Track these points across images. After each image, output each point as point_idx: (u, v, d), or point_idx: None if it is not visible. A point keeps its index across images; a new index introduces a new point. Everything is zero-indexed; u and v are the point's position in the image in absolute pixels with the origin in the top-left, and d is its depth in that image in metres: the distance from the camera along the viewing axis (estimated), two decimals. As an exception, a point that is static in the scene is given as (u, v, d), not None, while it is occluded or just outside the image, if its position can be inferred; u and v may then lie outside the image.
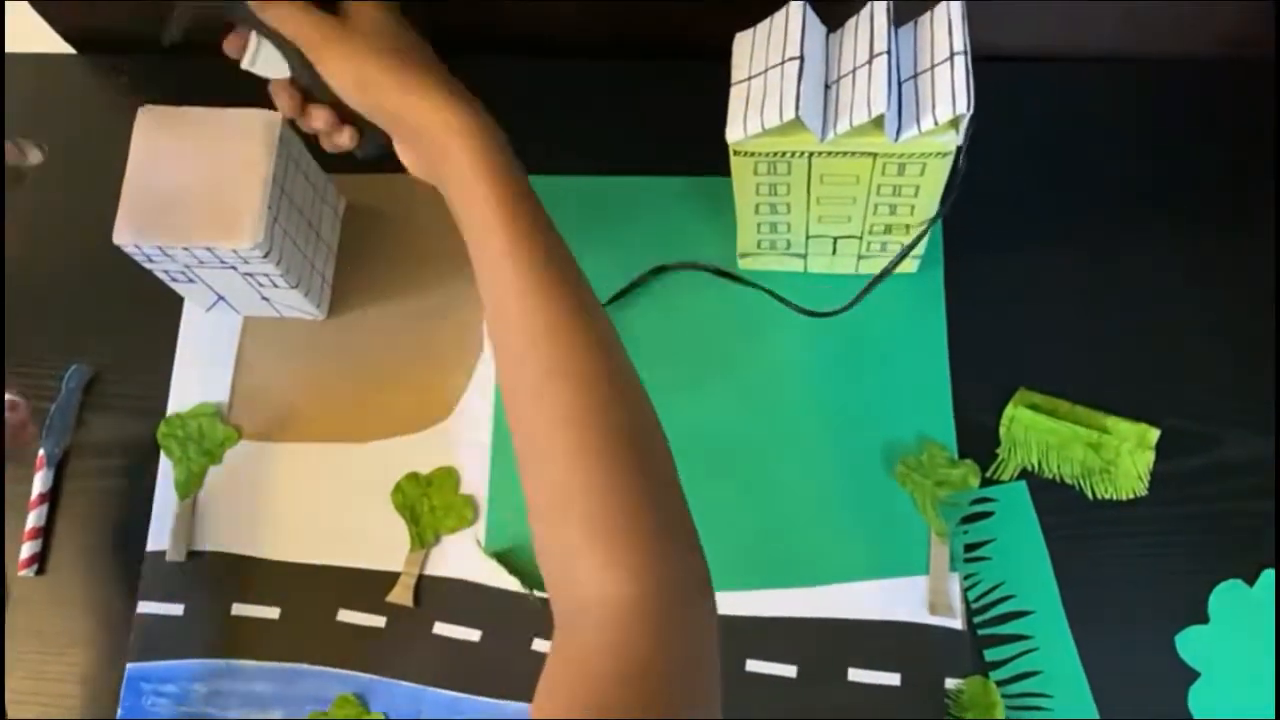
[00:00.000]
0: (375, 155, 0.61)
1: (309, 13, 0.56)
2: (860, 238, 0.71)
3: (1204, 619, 0.67)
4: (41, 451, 0.74)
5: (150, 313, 0.77)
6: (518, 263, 0.52)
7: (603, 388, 0.50)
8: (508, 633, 0.70)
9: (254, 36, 0.57)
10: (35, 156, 0.63)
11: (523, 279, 0.51)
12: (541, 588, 0.70)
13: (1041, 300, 0.75)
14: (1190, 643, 0.67)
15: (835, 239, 0.71)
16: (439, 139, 0.54)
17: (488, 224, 0.53)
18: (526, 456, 0.51)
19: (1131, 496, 0.70)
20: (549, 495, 0.50)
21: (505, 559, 0.71)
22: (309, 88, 0.59)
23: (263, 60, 0.58)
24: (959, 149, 0.60)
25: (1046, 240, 0.76)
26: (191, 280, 0.72)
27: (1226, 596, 0.67)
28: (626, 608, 0.46)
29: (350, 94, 0.56)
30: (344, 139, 0.60)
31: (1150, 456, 0.70)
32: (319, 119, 0.60)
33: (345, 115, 0.59)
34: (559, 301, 0.51)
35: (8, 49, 0.86)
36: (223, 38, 0.58)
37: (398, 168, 0.79)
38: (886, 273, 0.70)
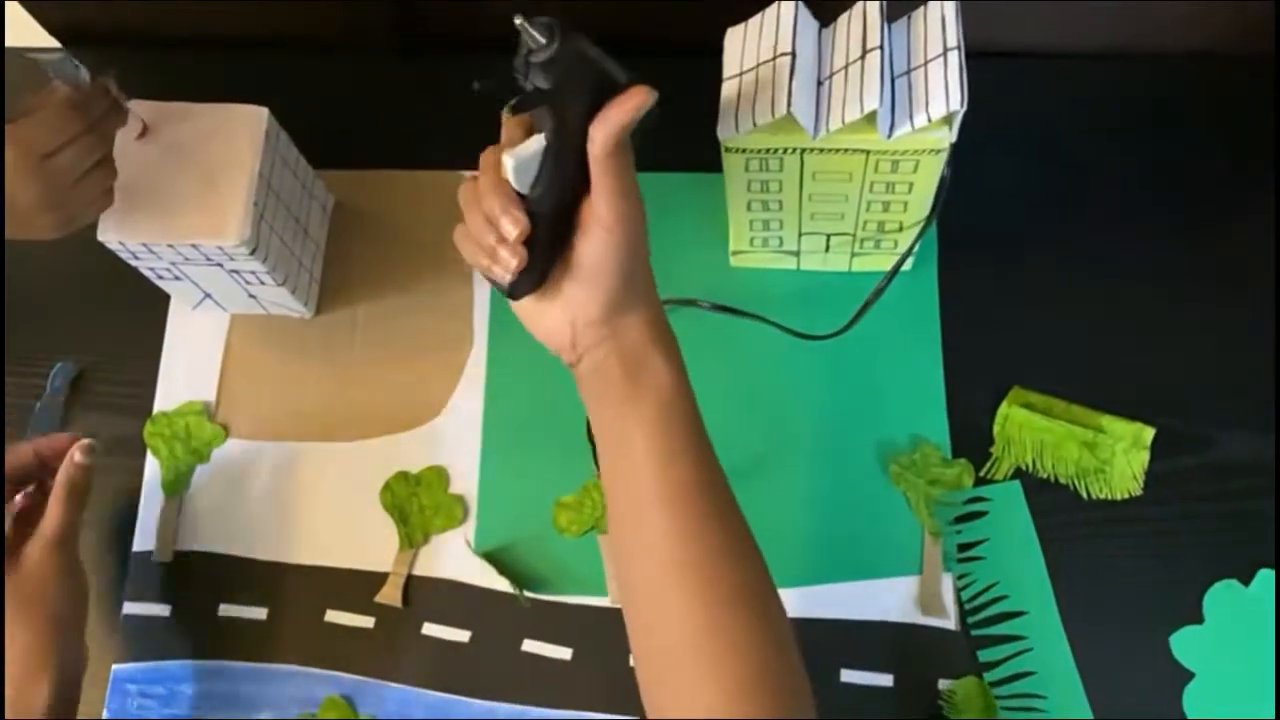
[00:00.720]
0: (513, 293, 0.53)
1: (635, 181, 0.52)
2: (853, 235, 0.70)
3: (1199, 619, 0.67)
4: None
5: (137, 310, 0.76)
6: (674, 504, 0.52)
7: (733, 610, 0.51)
8: (497, 634, 0.69)
9: (542, 140, 0.51)
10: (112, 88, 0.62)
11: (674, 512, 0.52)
12: (531, 589, 0.69)
13: (1036, 298, 0.74)
14: (1185, 643, 0.66)
15: (828, 236, 0.71)
16: (650, 347, 0.53)
17: (665, 449, 0.52)
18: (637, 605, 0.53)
19: (1126, 496, 0.69)
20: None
21: (495, 559, 0.70)
22: (533, 209, 0.51)
23: (526, 167, 0.51)
24: (952, 146, 0.60)
25: (1041, 238, 0.75)
26: (178, 278, 0.71)
27: (1222, 597, 0.67)
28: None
29: (611, 267, 0.52)
30: (505, 268, 0.52)
31: (1145, 456, 0.70)
32: (515, 239, 0.51)
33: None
34: (705, 538, 0.52)
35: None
36: (514, 112, 0.53)
37: (388, 165, 0.80)
38: (880, 291, 0.68)
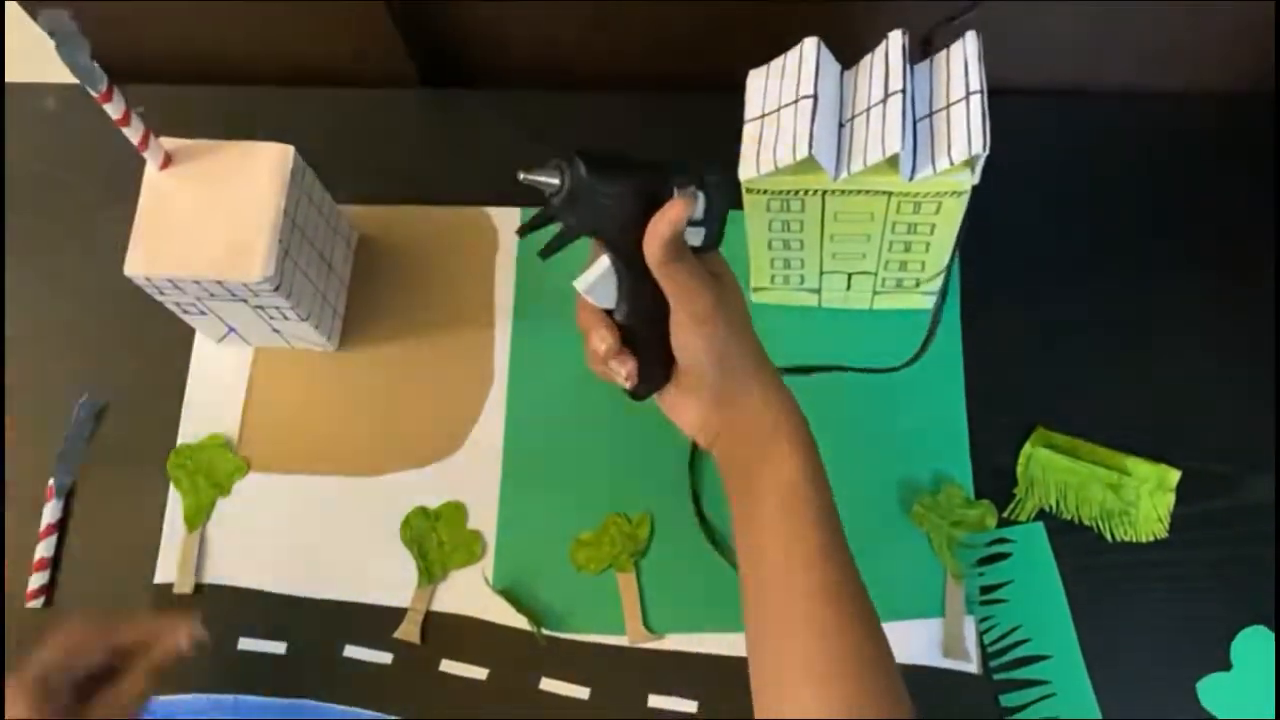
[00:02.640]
0: (635, 395, 0.56)
1: (703, 278, 0.52)
2: (875, 274, 0.70)
3: (1227, 666, 0.66)
4: (51, 481, 0.74)
5: (161, 343, 0.77)
6: (809, 619, 0.52)
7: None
8: (515, 672, 0.69)
9: (606, 260, 0.52)
10: None
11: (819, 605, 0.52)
12: (548, 626, 0.69)
13: (1060, 337, 0.73)
14: (1213, 690, 0.65)
15: (849, 275, 0.71)
16: (768, 434, 0.54)
17: (800, 537, 0.52)
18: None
19: (1151, 539, 0.69)
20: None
21: (513, 596, 0.70)
22: (625, 324, 0.54)
23: (599, 287, 0.52)
24: (974, 188, 0.60)
25: (1065, 276, 0.75)
26: (203, 312, 0.72)
27: (1250, 643, 0.66)
28: None
29: (704, 364, 0.53)
30: (624, 378, 0.54)
31: (1171, 498, 0.69)
32: (623, 363, 0.54)
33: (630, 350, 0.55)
34: (842, 636, 0.51)
35: (26, 79, 0.86)
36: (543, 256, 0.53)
37: (412, 200, 0.80)
38: (936, 321, 0.67)
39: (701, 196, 0.52)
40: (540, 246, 0.52)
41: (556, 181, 0.49)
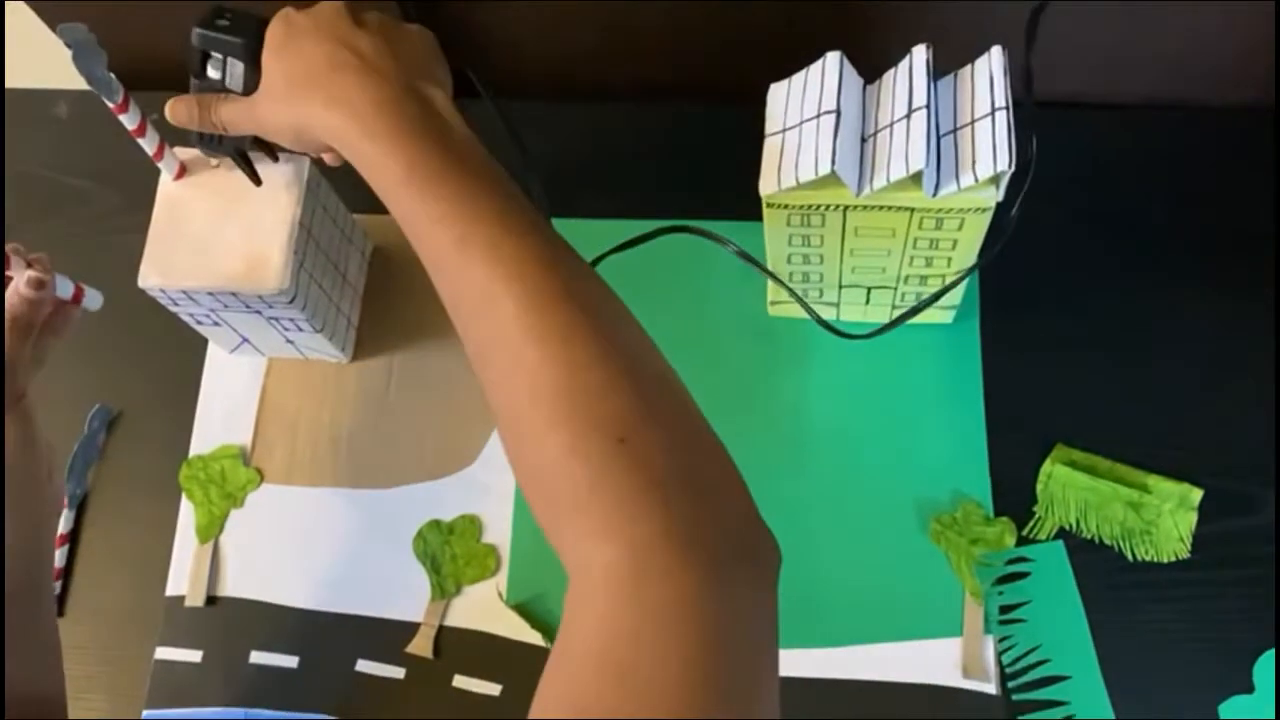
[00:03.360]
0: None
1: (237, 106, 0.58)
2: (895, 288, 0.69)
3: (1249, 688, 0.65)
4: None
5: (174, 354, 0.77)
6: (436, 245, 0.49)
7: (531, 349, 0.45)
8: (529, 688, 0.67)
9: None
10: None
11: (442, 260, 0.49)
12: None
13: (1080, 353, 0.73)
14: (1235, 713, 0.64)
15: (869, 289, 0.70)
16: (331, 141, 0.53)
17: (394, 200, 0.51)
18: (499, 432, 0.47)
19: (1173, 559, 0.68)
20: (516, 473, 0.45)
21: (527, 611, 0.69)
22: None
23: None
24: (999, 204, 0.59)
25: (1085, 291, 0.74)
26: (216, 323, 0.71)
27: (1273, 665, 0.65)
28: (604, 572, 0.40)
29: (297, 150, 0.59)
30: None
31: (1193, 517, 0.68)
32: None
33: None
34: (480, 270, 0.47)
35: (42, 85, 0.86)
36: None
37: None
38: (919, 309, 0.68)
39: (200, 50, 0.59)
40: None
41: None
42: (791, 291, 0.68)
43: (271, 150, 0.66)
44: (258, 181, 0.66)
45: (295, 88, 0.54)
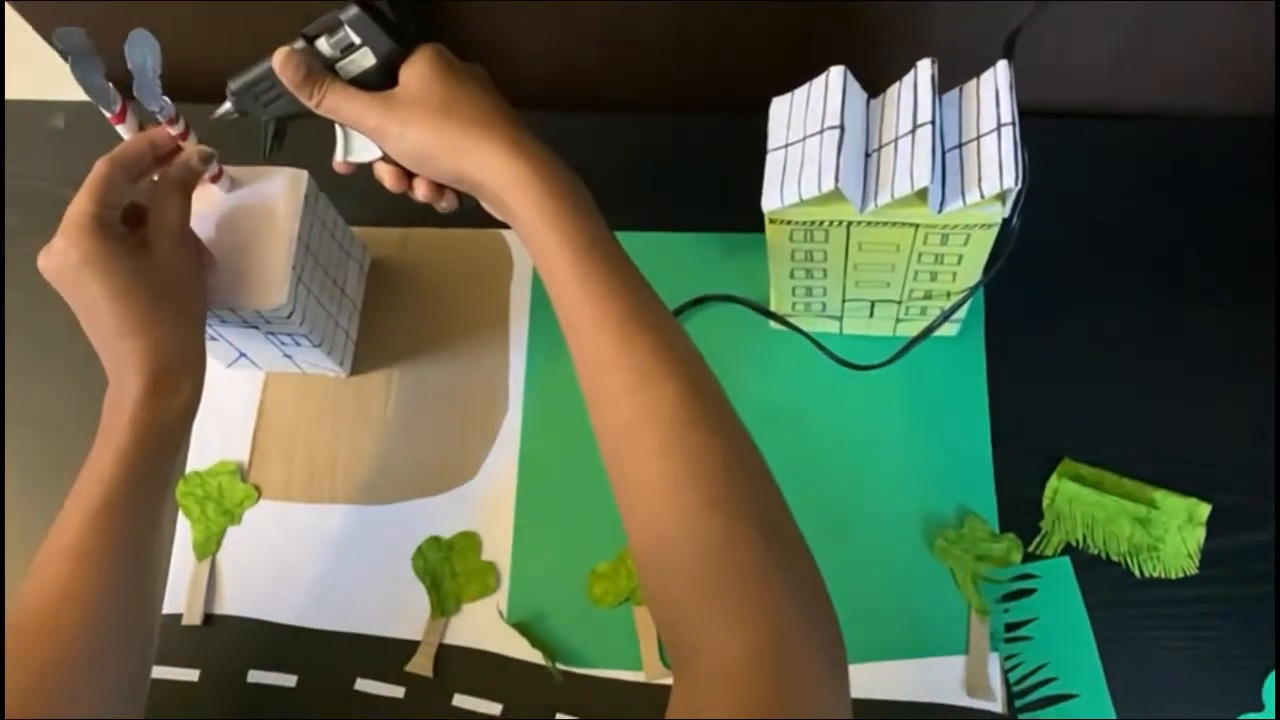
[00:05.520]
0: (464, 204, 0.63)
1: (355, 99, 0.58)
2: (899, 302, 0.69)
3: (1259, 706, 0.64)
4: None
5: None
6: (598, 318, 0.51)
7: (693, 433, 0.49)
8: (529, 707, 0.67)
9: (339, 129, 0.61)
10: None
11: (603, 333, 0.51)
12: (564, 661, 0.68)
13: (1087, 367, 0.72)
14: (1244, 732, 0.64)
15: (873, 303, 0.69)
16: (498, 196, 0.55)
17: (561, 275, 0.52)
18: (622, 499, 0.51)
19: (1181, 575, 0.67)
20: (645, 540, 0.49)
21: (528, 630, 0.69)
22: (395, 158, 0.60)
23: (355, 149, 0.61)
24: (1005, 220, 0.58)
25: (1092, 304, 0.73)
26: (213, 338, 0.70)
27: (1282, 683, 0.65)
28: (740, 658, 0.44)
29: (417, 170, 0.59)
30: (446, 204, 0.62)
31: (1201, 533, 0.67)
32: (420, 192, 0.61)
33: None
34: (643, 352, 0.51)
35: (37, 97, 0.85)
36: None
37: (425, 222, 0.79)
38: (928, 332, 0.67)
39: (346, 28, 0.57)
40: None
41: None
42: (804, 333, 0.69)
43: (279, 143, 0.64)
44: (268, 158, 0.64)
45: (469, 122, 0.56)
